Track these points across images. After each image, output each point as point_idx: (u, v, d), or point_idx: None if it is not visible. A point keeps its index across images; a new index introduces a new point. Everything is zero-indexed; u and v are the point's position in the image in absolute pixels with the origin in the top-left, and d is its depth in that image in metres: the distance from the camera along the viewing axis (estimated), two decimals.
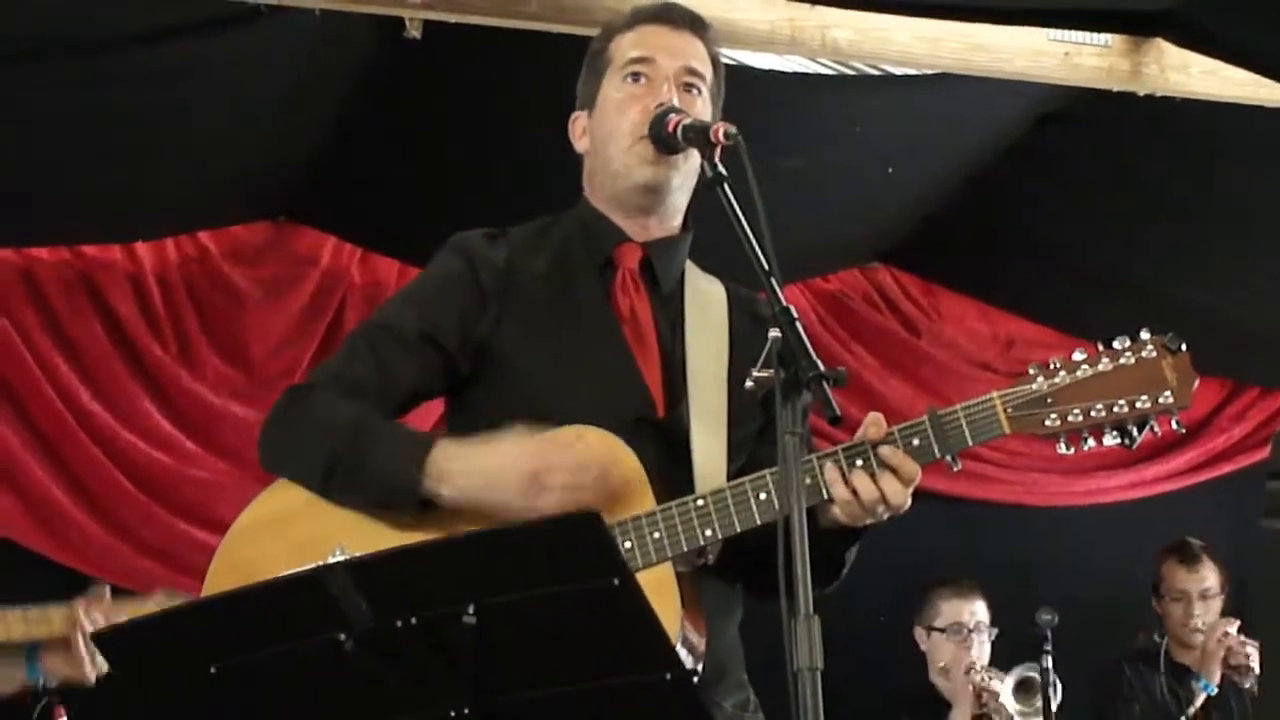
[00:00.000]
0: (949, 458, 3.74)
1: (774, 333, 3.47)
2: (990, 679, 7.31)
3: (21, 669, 5.33)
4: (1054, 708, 7.01)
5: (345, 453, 3.88)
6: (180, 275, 8.14)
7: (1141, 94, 7.16)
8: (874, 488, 3.65)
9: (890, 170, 7.84)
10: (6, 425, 7.78)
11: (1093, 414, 3.77)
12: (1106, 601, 7.75)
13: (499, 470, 3.84)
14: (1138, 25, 6.97)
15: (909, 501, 3.70)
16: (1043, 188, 7.93)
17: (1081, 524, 8.83)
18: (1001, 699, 7.22)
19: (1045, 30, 6.97)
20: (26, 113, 6.97)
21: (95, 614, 5.51)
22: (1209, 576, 7.68)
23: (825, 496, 3.72)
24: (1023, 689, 7.21)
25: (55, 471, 7.96)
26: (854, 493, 3.69)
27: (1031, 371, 3.80)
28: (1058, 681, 6.97)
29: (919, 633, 7.52)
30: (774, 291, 3.53)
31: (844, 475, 3.71)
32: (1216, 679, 7.49)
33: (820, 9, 6.71)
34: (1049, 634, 6.93)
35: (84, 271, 7.99)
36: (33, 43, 6.75)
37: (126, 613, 5.49)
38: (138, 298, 8.06)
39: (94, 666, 5.23)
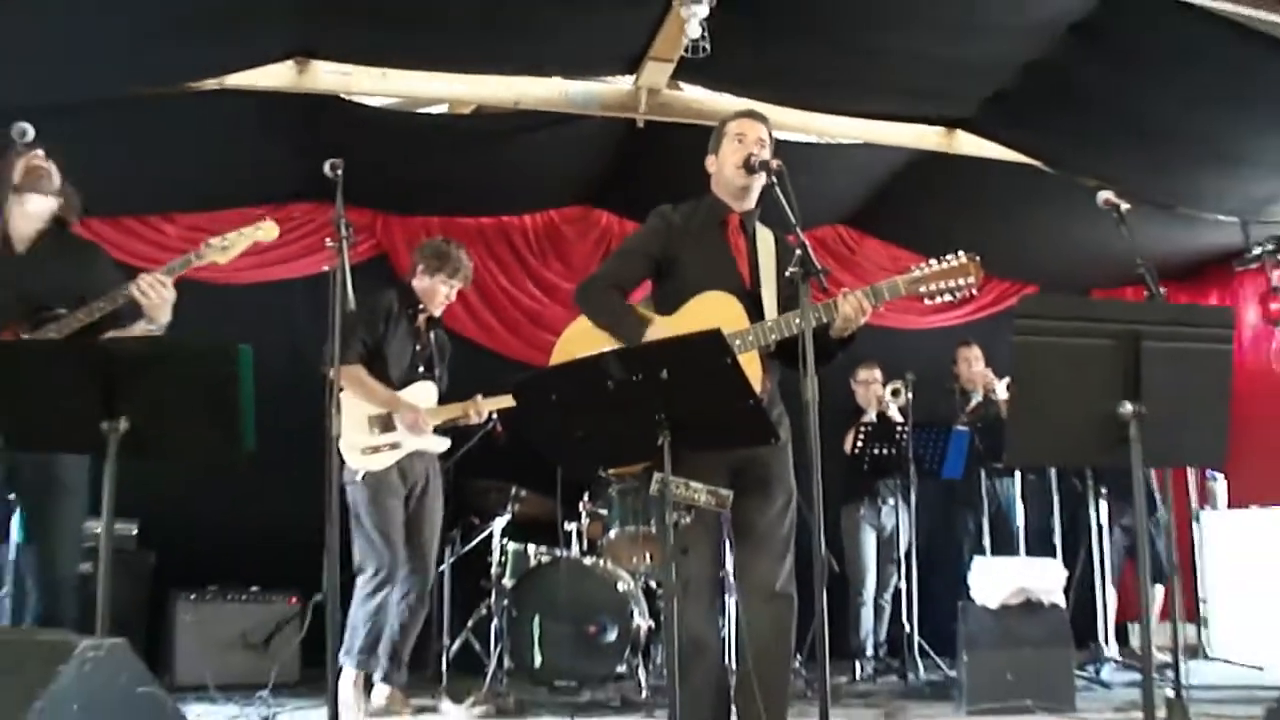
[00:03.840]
0: (879, 305, 3.72)
1: (798, 251, 3.43)
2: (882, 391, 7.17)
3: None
4: (909, 408, 6.77)
5: (614, 318, 3.83)
6: (544, 230, 8.11)
7: (952, 153, 6.78)
8: (860, 305, 3.60)
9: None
10: (475, 299, 7.61)
11: (937, 286, 3.78)
12: (939, 371, 7.52)
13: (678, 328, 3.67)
14: (949, 123, 6.65)
15: (868, 316, 3.70)
16: (901, 197, 7.68)
17: (926, 337, 8.54)
18: (884, 395, 7.05)
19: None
20: (444, 168, 6.99)
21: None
22: (976, 348, 7.47)
23: (825, 322, 3.69)
24: (894, 393, 6.99)
25: (494, 316, 7.78)
26: (851, 309, 3.65)
27: (914, 269, 3.78)
28: (911, 394, 6.75)
29: (852, 383, 7.31)
30: (799, 234, 3.50)
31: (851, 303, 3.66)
32: (981, 393, 7.24)
33: (808, 114, 6.53)
34: (909, 382, 6.73)
35: (501, 228, 8.03)
36: (450, 133, 6.69)
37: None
38: (524, 239, 8.06)
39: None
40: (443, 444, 5.62)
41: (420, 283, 5.60)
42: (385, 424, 5.38)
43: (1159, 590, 6.98)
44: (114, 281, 4.04)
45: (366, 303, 5.25)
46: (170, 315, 4.03)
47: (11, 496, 4.03)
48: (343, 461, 5.23)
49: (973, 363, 7.66)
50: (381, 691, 5.50)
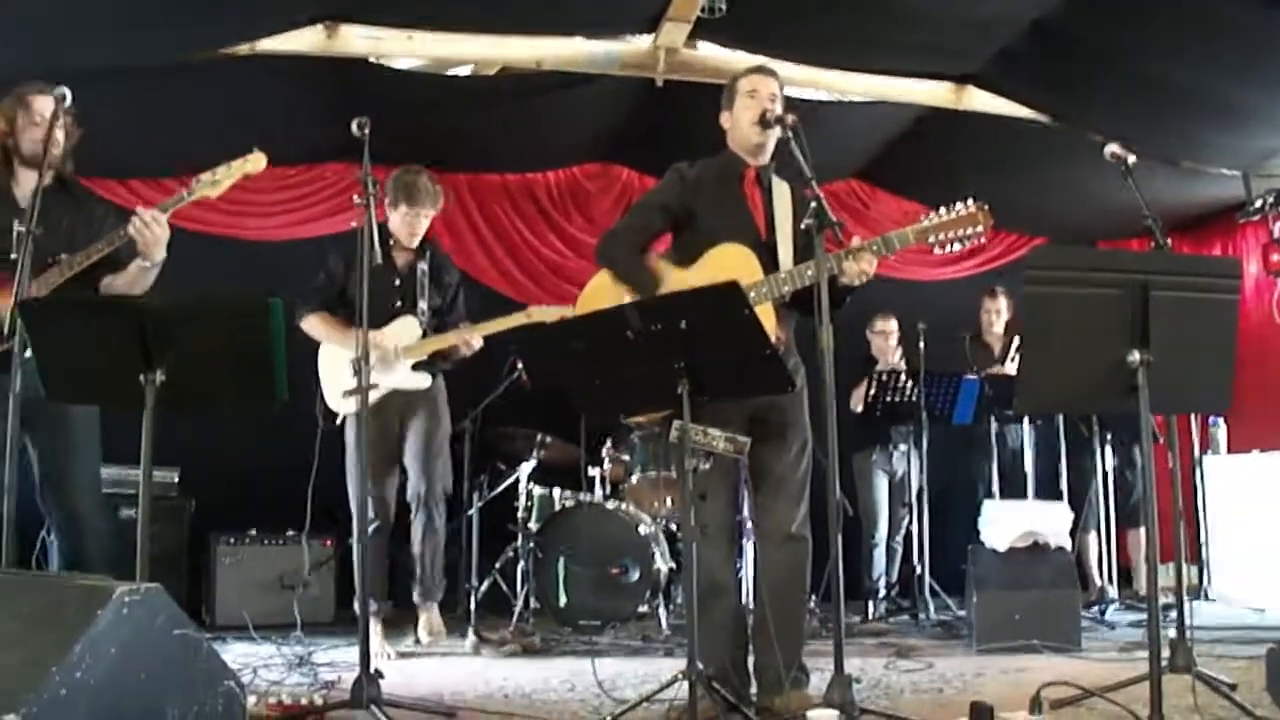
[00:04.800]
0: (890, 255, 3.66)
1: (813, 204, 3.42)
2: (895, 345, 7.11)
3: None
4: (921, 360, 6.68)
5: (628, 272, 3.78)
6: (566, 185, 8.09)
7: (962, 109, 6.66)
8: (864, 265, 3.49)
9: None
10: (500, 252, 7.68)
11: (947, 235, 3.71)
12: (950, 321, 7.37)
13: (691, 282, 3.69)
14: (956, 79, 6.54)
15: (873, 272, 3.61)
16: (913, 152, 7.58)
17: (940, 289, 8.46)
18: (895, 353, 6.99)
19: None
20: (471, 127, 6.95)
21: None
22: (1002, 299, 7.32)
23: (837, 273, 3.58)
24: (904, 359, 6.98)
25: (518, 268, 7.76)
26: (857, 269, 3.58)
27: (923, 218, 3.72)
28: (924, 343, 6.65)
29: (868, 334, 7.20)
30: (814, 186, 3.47)
31: (853, 261, 3.58)
32: (999, 350, 7.12)
33: (822, 71, 6.43)
34: (922, 332, 6.61)
35: (526, 184, 8.01)
36: (476, 94, 6.49)
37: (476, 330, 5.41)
38: (547, 195, 8.03)
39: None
40: (422, 381, 5.42)
41: (391, 217, 5.49)
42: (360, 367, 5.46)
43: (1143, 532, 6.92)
44: (113, 225, 4.03)
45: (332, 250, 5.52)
46: (164, 253, 3.98)
47: (26, 442, 3.99)
48: (327, 407, 5.31)
49: (993, 315, 7.59)
50: (424, 616, 5.56)
